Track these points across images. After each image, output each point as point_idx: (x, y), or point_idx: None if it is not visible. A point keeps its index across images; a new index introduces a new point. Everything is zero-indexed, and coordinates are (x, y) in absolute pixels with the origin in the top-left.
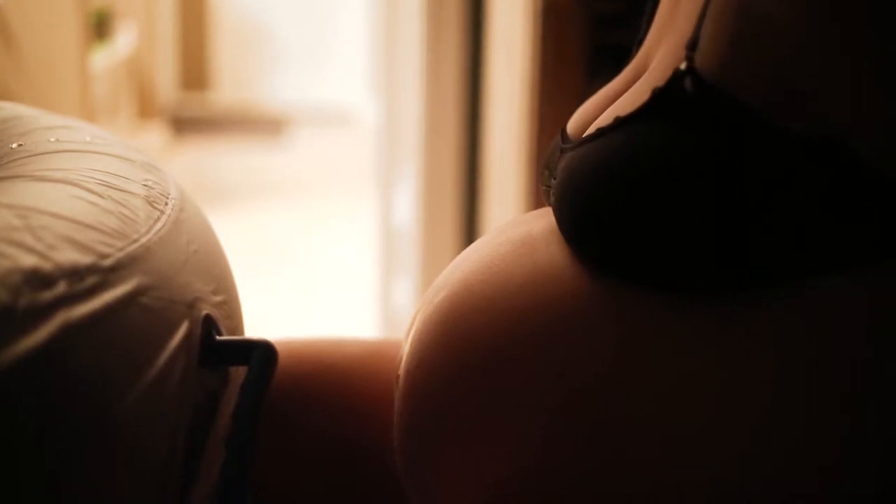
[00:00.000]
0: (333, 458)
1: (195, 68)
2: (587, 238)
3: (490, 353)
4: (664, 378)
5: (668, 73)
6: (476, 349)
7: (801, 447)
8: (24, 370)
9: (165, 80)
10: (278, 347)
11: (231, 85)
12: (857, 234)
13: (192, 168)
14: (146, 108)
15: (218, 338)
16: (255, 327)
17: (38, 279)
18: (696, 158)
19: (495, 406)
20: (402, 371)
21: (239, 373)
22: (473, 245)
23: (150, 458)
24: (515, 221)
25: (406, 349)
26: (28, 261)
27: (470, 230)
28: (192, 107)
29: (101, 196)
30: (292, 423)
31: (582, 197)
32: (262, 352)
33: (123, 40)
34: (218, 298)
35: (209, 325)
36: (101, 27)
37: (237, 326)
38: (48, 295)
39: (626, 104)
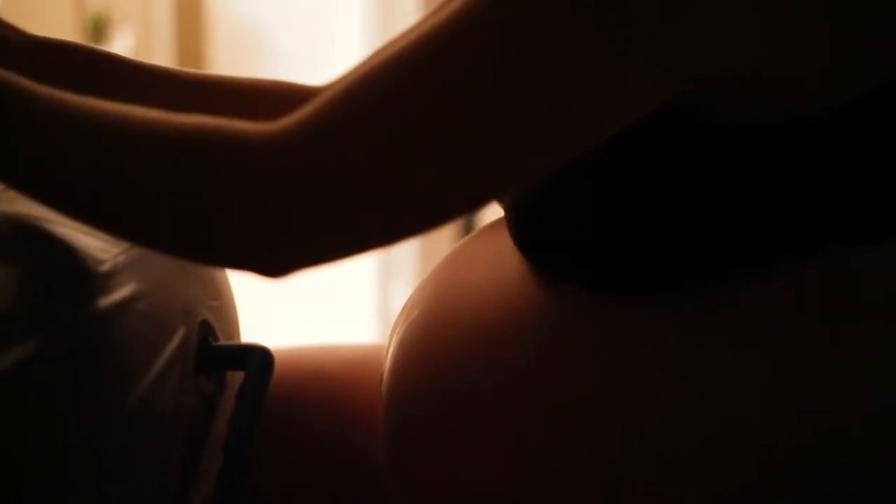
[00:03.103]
0: (326, 461)
1: None
2: (531, 248)
3: (466, 377)
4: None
5: None
6: (452, 372)
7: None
8: (19, 376)
9: None
10: None
11: None
12: (772, 235)
13: None
14: None
15: (214, 343)
16: (251, 333)
17: (33, 284)
18: (624, 162)
19: (474, 427)
20: (384, 389)
21: (236, 378)
22: (445, 259)
23: (147, 462)
24: (482, 234)
25: (387, 365)
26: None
27: (468, 234)
28: None
29: None
30: (284, 428)
31: (519, 207)
32: (259, 357)
33: (120, 45)
34: (214, 303)
35: (205, 330)
36: (98, 32)
37: (233, 332)
38: (44, 301)
39: None
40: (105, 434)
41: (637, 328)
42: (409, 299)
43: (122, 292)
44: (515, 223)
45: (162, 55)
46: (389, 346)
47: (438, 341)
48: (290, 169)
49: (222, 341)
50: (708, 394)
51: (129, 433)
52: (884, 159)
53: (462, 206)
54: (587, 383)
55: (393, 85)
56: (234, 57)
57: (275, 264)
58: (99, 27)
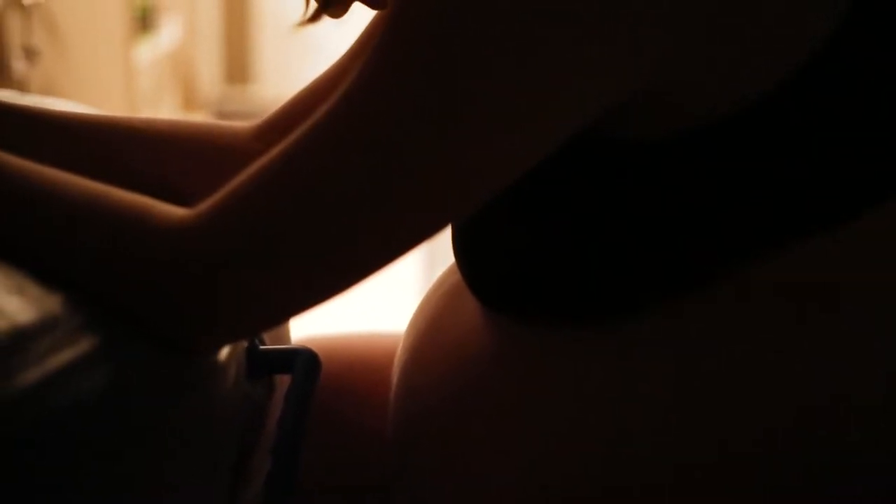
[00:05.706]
0: (366, 449)
1: (238, 61)
2: (468, 280)
3: (446, 420)
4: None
5: None
6: (436, 418)
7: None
8: (77, 375)
9: (209, 73)
10: (311, 344)
11: (274, 78)
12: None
13: None
14: (190, 101)
15: (262, 347)
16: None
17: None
18: (537, 192)
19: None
20: (391, 418)
21: (284, 380)
22: (423, 299)
23: (200, 465)
24: (452, 269)
25: (392, 396)
26: None
27: None
28: (236, 100)
29: None
30: (329, 416)
31: (459, 244)
32: (305, 360)
33: (167, 33)
34: None
35: None
36: (145, 20)
37: (282, 333)
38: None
39: None
40: (162, 435)
41: (570, 356)
42: (403, 342)
43: None
44: (456, 256)
45: (208, 44)
46: (393, 383)
47: (422, 388)
48: (201, 253)
49: (269, 345)
50: (649, 413)
51: (182, 438)
52: (783, 161)
53: (386, 261)
54: (518, 417)
55: (307, 162)
56: (279, 47)
57: (205, 338)
58: (146, 16)
